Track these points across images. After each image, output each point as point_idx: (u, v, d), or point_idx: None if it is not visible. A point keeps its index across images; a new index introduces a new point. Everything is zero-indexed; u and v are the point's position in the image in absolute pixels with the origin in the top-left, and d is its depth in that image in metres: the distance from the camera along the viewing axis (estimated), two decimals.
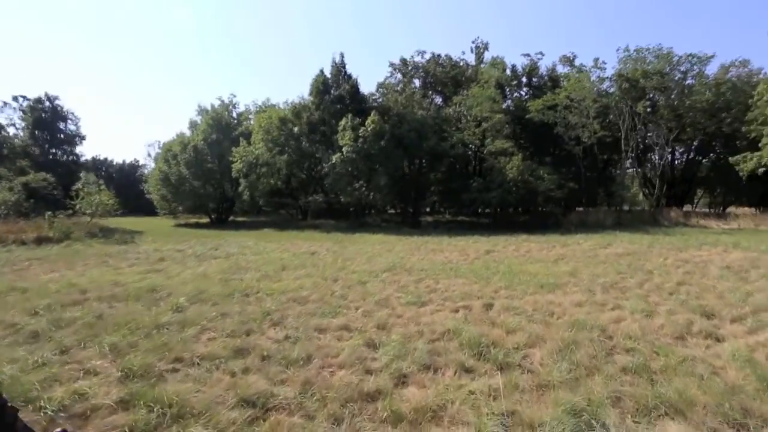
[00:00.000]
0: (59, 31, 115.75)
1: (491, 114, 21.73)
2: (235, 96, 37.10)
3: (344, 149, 21.00)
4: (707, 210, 34.08)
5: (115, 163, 70.28)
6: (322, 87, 24.23)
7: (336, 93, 24.02)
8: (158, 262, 10.63)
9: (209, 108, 31.80)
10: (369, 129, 20.88)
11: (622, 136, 24.13)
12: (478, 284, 7.78)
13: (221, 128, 31.00)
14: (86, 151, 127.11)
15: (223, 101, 32.94)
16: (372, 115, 21.43)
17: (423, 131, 22.38)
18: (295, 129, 23.69)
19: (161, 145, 33.58)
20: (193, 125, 32.50)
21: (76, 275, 8.73)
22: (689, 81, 27.83)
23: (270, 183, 26.30)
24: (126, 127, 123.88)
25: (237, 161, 25.94)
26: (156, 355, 4.09)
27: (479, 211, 28.06)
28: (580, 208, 27.97)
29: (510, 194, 20.78)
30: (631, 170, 28.47)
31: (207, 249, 13.72)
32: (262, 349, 4.28)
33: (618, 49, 33.76)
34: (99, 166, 68.43)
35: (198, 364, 3.94)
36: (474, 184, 27.60)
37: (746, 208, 33.26)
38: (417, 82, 28.97)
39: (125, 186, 65.39)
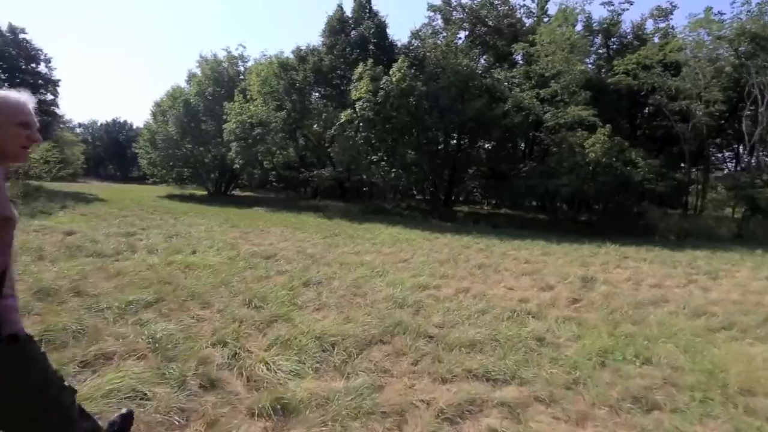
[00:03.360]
0: None
1: (567, 68, 15.36)
2: (244, 47, 31.68)
3: (358, 105, 15.31)
4: None
5: (135, 127, 67.32)
6: (338, 25, 18.40)
7: (356, 34, 18.17)
8: None
9: (211, 58, 26.69)
10: (394, 79, 15.05)
11: (747, 112, 17.28)
12: None
13: (223, 83, 25.89)
14: (78, 108, 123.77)
15: (229, 52, 27.73)
16: (399, 61, 15.57)
17: (467, 90, 16.36)
18: (299, 77, 18.03)
19: None
20: (191, 78, 27.51)
21: None
22: None
23: (270, 150, 21.06)
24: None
25: (231, 120, 20.74)
26: None
27: (534, 204, 21.86)
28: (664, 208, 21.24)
29: (586, 183, 14.59)
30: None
31: (121, 233, 8.58)
32: None
33: (733, 2, 25.94)
34: (117, 128, 65.78)
35: None
36: (524, 168, 21.46)
37: None
38: (462, 35, 22.70)
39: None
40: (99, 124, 67.03)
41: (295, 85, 18.22)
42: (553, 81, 16.29)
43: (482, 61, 24.42)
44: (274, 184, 35.75)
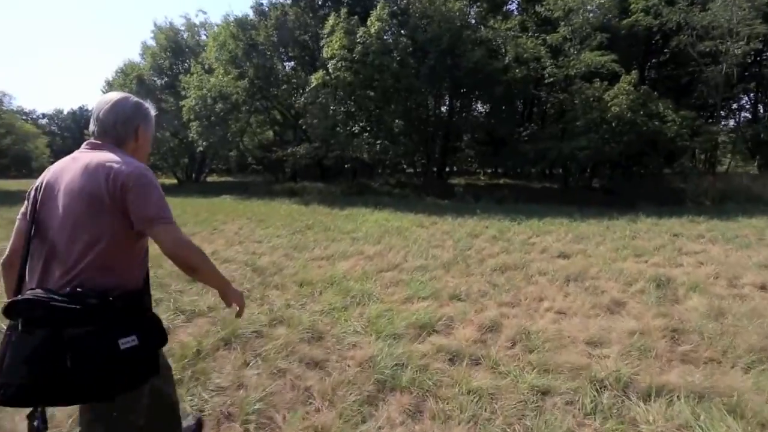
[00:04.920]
0: None
1: (580, 3, 12.76)
2: (205, 13, 28.33)
3: (331, 64, 12.69)
4: None
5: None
6: None
7: None
8: None
9: (167, 26, 23.46)
10: (372, 31, 12.40)
11: None
12: None
13: (183, 55, 22.85)
14: (41, 98, 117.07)
15: (188, 19, 24.46)
16: (378, 8, 12.87)
17: (461, 40, 13.75)
18: (260, 37, 15.15)
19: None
20: (145, 51, 24.27)
21: None
22: None
23: (240, 128, 18.39)
24: None
25: (190, 96, 17.95)
26: None
27: (546, 172, 19.62)
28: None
29: (608, 144, 12.30)
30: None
31: None
32: None
33: None
34: (86, 116, 61.69)
35: None
36: (525, 132, 19.29)
37: None
38: None
39: None
40: (65, 113, 62.82)
41: (256, 47, 15.36)
42: (562, 24, 13.69)
43: (473, 11, 21.54)
44: (253, 167, 33.04)
